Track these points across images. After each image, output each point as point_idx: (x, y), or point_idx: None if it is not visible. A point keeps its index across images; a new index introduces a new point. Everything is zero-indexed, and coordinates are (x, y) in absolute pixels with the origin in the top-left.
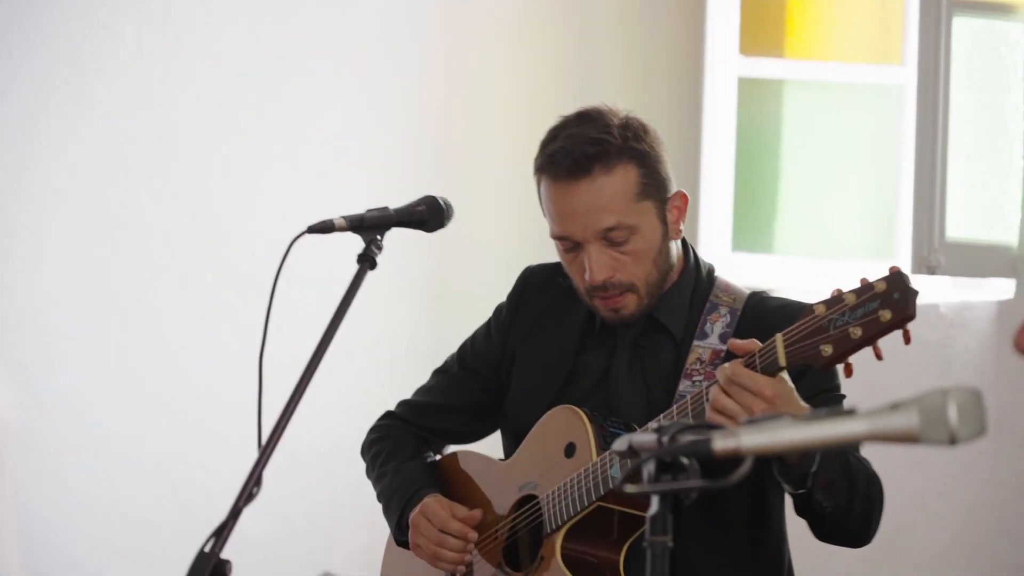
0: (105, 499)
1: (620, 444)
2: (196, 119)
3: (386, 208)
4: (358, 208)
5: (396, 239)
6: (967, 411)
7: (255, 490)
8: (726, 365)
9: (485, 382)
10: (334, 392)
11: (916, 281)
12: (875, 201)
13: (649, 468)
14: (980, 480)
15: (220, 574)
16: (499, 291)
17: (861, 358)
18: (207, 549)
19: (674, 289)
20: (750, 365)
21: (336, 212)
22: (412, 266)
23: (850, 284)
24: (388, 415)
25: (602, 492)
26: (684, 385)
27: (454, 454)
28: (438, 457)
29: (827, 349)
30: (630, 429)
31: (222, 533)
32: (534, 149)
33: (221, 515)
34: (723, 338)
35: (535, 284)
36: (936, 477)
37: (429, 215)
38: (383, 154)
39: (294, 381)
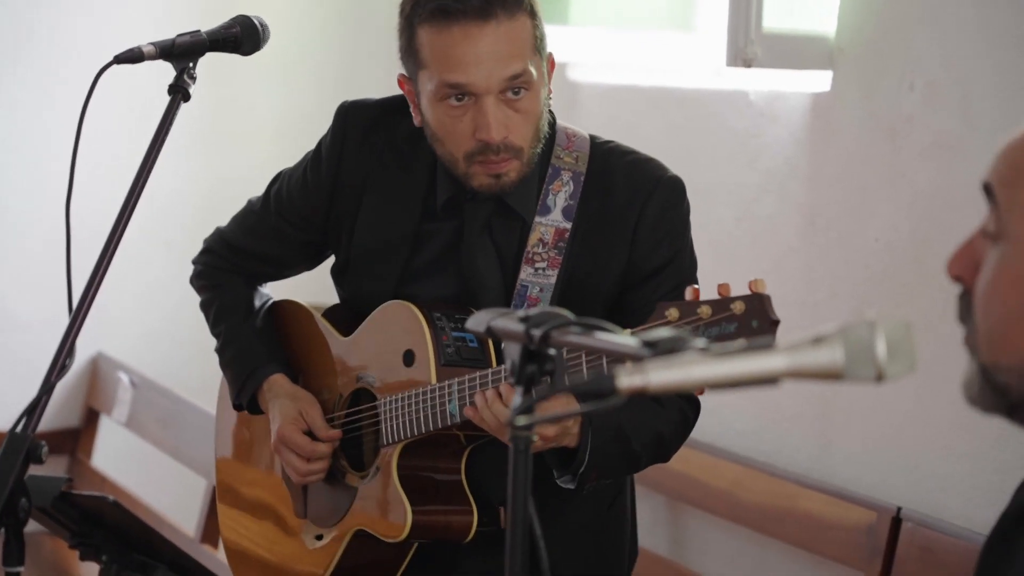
0: None
1: (476, 323)
2: None
3: (198, 32)
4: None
5: None
6: (897, 346)
7: (68, 361)
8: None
9: (307, 235)
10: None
11: (732, 75)
12: None
13: (513, 356)
14: (789, 277)
15: (34, 457)
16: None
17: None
18: (18, 429)
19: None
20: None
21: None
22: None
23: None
24: (209, 252)
25: (439, 426)
26: (526, 273)
27: (295, 306)
28: (273, 300)
29: None
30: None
31: (34, 411)
32: None
33: (32, 388)
34: (566, 213)
35: (358, 128)
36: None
37: (244, 37)
38: None
39: (106, 227)
